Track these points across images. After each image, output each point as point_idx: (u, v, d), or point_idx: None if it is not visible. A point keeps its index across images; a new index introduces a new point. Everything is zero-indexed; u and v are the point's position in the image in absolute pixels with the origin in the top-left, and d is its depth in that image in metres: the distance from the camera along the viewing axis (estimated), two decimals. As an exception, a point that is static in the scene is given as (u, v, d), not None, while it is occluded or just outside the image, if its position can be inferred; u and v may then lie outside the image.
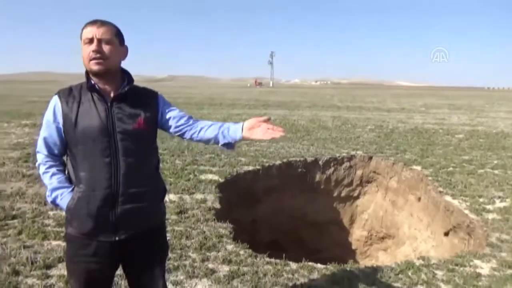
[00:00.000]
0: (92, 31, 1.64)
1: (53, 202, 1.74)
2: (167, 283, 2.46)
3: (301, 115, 16.60)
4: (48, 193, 1.74)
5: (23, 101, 22.72)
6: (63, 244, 3.57)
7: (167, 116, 1.86)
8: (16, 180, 5.62)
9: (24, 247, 3.47)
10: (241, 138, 1.76)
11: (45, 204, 4.65)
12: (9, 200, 4.75)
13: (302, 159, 7.77)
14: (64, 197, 1.71)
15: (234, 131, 1.77)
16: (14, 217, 4.22)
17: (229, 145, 1.81)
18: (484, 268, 3.49)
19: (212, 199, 5.08)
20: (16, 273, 3.00)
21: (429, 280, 3.20)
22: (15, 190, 5.13)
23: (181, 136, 1.88)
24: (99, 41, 1.64)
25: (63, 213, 4.20)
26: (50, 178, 1.73)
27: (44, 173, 1.75)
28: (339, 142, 9.57)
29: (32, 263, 3.13)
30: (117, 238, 1.73)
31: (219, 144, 1.81)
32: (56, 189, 1.72)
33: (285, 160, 7.52)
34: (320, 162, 7.99)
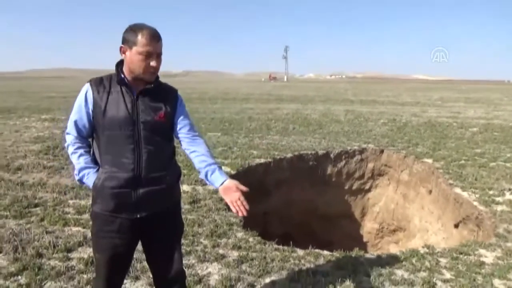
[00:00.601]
0: (153, 47, 1.80)
1: (80, 180, 1.93)
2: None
3: (314, 109, 16.62)
4: (76, 172, 1.93)
5: (41, 96, 23.29)
6: (83, 230, 3.79)
7: (177, 121, 2.03)
8: (38, 171, 5.88)
9: (46, 232, 3.68)
10: (217, 189, 1.92)
11: (65, 193, 4.89)
12: (31, 190, 5.00)
13: (313, 152, 7.86)
14: (90, 176, 1.90)
15: (216, 179, 1.91)
16: (36, 205, 4.45)
17: (205, 180, 1.99)
18: (489, 257, 3.55)
19: (224, 190, 5.23)
20: (40, 255, 3.21)
21: (432, 267, 3.28)
22: (37, 181, 5.38)
23: (181, 144, 2.07)
24: (158, 55, 1.83)
25: (82, 202, 4.41)
26: (78, 158, 1.91)
27: (73, 153, 1.93)
28: (351, 135, 9.61)
29: (54, 247, 3.34)
30: (138, 216, 1.91)
31: (199, 174, 1.99)
32: (83, 168, 1.91)
33: (296, 153, 7.63)
34: (332, 155, 8.07)
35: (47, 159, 6.58)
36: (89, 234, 3.65)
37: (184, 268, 2.27)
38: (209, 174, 1.94)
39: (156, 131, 1.91)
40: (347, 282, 2.94)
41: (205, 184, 5.42)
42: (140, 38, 1.78)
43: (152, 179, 1.91)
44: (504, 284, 3.05)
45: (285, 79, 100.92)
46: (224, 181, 1.88)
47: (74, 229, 3.82)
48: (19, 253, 3.22)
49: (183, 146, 2.09)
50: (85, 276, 2.91)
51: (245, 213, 1.83)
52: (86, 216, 4.16)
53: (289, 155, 7.50)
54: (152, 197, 1.92)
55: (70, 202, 4.61)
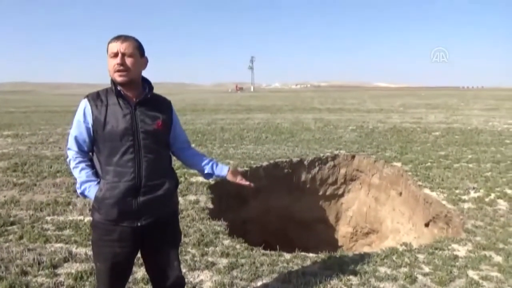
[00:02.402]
0: (116, 46, 1.88)
1: (82, 193, 1.97)
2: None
3: (284, 118, 16.92)
4: (78, 186, 1.97)
5: (0, 111, 22.32)
6: (66, 246, 3.72)
7: (175, 133, 2.17)
8: (8, 189, 5.67)
9: (28, 250, 3.58)
10: (224, 177, 2.21)
11: (41, 210, 4.76)
12: (4, 208, 4.83)
13: (288, 159, 8.03)
14: (92, 189, 1.94)
15: (221, 169, 2.22)
16: (12, 223, 4.31)
17: (208, 176, 2.24)
18: (461, 251, 3.81)
19: (204, 200, 5.28)
20: (25, 273, 3.13)
21: (412, 262, 3.49)
22: (9, 198, 5.20)
23: (177, 154, 2.24)
24: (123, 55, 1.88)
25: (61, 218, 4.34)
26: (80, 172, 1.96)
27: (74, 167, 1.97)
28: (322, 142, 9.89)
29: (39, 264, 3.26)
30: (139, 224, 1.96)
31: (203, 172, 2.23)
32: (85, 182, 1.95)
33: (271, 161, 7.77)
34: (305, 162, 8.27)
35: (16, 176, 6.36)
36: (73, 249, 3.62)
37: (183, 275, 2.32)
38: (214, 166, 2.20)
39: (155, 140, 1.99)
40: (336, 281, 3.08)
41: (186, 195, 5.44)
42: (108, 44, 1.91)
43: (152, 187, 1.97)
44: (478, 274, 3.29)
45: (252, 89, 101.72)
46: (229, 168, 2.21)
47: (57, 245, 3.73)
48: (2, 272, 3.12)
49: (182, 156, 2.25)
50: (76, 290, 2.88)
51: (252, 185, 2.24)
52: (67, 231, 4.08)
53: (265, 163, 7.63)
54: (152, 205, 1.98)
55: (48, 218, 4.50)
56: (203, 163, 2.22)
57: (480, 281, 3.18)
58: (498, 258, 3.62)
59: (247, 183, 2.22)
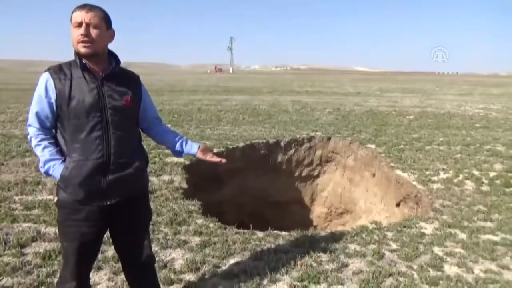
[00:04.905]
0: (81, 15, 1.77)
1: (46, 172, 1.88)
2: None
3: (262, 100, 16.87)
4: (41, 165, 1.88)
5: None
6: (34, 225, 3.63)
7: (144, 109, 2.09)
8: (-26, 169, 5.47)
9: (-6, 229, 3.49)
10: (194, 155, 2.16)
11: (9, 189, 4.62)
12: (-31, 188, 4.66)
13: (264, 141, 8.04)
14: (56, 168, 1.85)
15: (191, 146, 2.17)
16: (-22, 203, 4.18)
17: (178, 153, 2.19)
18: (428, 228, 3.94)
19: (179, 180, 5.24)
20: (-10, 252, 3.05)
21: (380, 240, 3.59)
22: (-25, 178, 5.02)
23: (146, 131, 2.18)
24: (88, 25, 1.77)
25: (29, 197, 4.20)
26: (42, 151, 1.86)
27: (36, 145, 1.87)
28: (299, 124, 9.94)
29: (5, 243, 3.18)
30: (107, 203, 1.91)
31: (173, 150, 2.19)
32: (49, 160, 1.86)
33: (248, 143, 7.76)
34: (282, 144, 8.31)
35: (-18, 156, 6.13)
36: (42, 229, 3.54)
37: (153, 253, 2.31)
38: (183, 144, 2.16)
39: (124, 116, 1.92)
40: (306, 258, 3.14)
41: (160, 175, 5.39)
42: (72, 13, 1.81)
43: (121, 165, 1.91)
44: (442, 251, 3.42)
45: (231, 71, 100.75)
46: (199, 145, 2.17)
47: (25, 225, 3.64)
48: (-34, 252, 3.03)
49: (152, 132, 2.20)
50: (44, 269, 2.82)
51: (224, 160, 2.19)
52: (36, 211, 3.98)
53: (241, 144, 7.62)
54: (121, 183, 1.92)
55: (16, 198, 4.37)
56: (173, 140, 2.17)
57: (444, 257, 3.31)
58: (462, 236, 3.77)
59: (218, 159, 2.17)
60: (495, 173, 5.81)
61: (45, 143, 1.87)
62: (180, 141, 2.17)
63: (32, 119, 1.87)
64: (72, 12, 1.80)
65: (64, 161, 1.87)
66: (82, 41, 1.78)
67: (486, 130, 9.66)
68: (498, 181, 5.48)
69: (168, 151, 6.53)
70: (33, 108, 1.87)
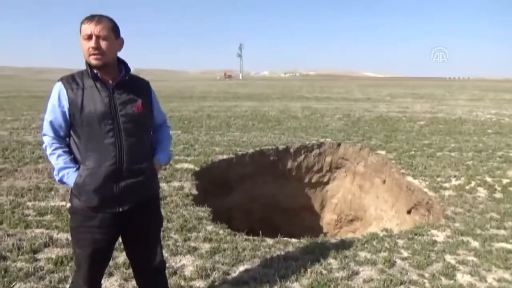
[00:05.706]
0: (90, 28, 1.81)
1: (60, 180, 1.92)
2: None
3: (271, 106, 16.89)
4: (55, 173, 1.92)
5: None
6: (47, 231, 3.68)
7: (154, 113, 2.14)
8: (-12, 175, 5.57)
9: (8, 235, 3.54)
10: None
11: (23, 196, 4.69)
12: (-17, 194, 4.74)
13: (274, 147, 8.05)
14: (70, 176, 1.89)
15: (157, 159, 2.14)
16: (-8, 209, 4.25)
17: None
18: (440, 236, 3.89)
19: (189, 186, 5.27)
20: (4, 258, 3.10)
21: (391, 247, 3.55)
22: (-11, 184, 5.11)
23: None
24: (97, 37, 1.81)
25: (42, 203, 4.27)
26: (57, 159, 1.90)
27: (51, 154, 1.91)
28: (308, 130, 9.92)
29: (18, 249, 3.23)
30: (120, 209, 1.94)
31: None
32: (62, 169, 1.90)
33: (257, 149, 7.77)
34: (291, 150, 8.30)
35: (-4, 162, 6.24)
36: (54, 235, 3.59)
37: (164, 259, 2.32)
38: (157, 152, 2.16)
39: (136, 123, 1.95)
40: (316, 265, 3.12)
41: (170, 181, 5.42)
42: (82, 25, 1.84)
43: (134, 171, 1.94)
44: (454, 259, 3.37)
45: (241, 77, 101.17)
46: (157, 163, 2.12)
47: (37, 230, 3.69)
48: (-20, 257, 3.08)
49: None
50: (56, 275, 2.85)
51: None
52: (48, 217, 4.03)
53: (251, 150, 7.63)
54: (134, 190, 1.95)
55: (29, 204, 4.44)
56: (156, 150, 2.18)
57: (457, 265, 3.26)
58: (475, 244, 3.72)
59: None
60: (508, 180, 5.73)
61: (60, 151, 1.91)
62: (157, 149, 2.17)
63: (46, 128, 1.92)
64: (81, 24, 1.84)
65: (78, 169, 1.91)
66: (93, 54, 1.82)
67: (498, 136, 9.54)
68: (511, 188, 5.39)
69: (177, 157, 6.59)
70: (47, 117, 1.91)
